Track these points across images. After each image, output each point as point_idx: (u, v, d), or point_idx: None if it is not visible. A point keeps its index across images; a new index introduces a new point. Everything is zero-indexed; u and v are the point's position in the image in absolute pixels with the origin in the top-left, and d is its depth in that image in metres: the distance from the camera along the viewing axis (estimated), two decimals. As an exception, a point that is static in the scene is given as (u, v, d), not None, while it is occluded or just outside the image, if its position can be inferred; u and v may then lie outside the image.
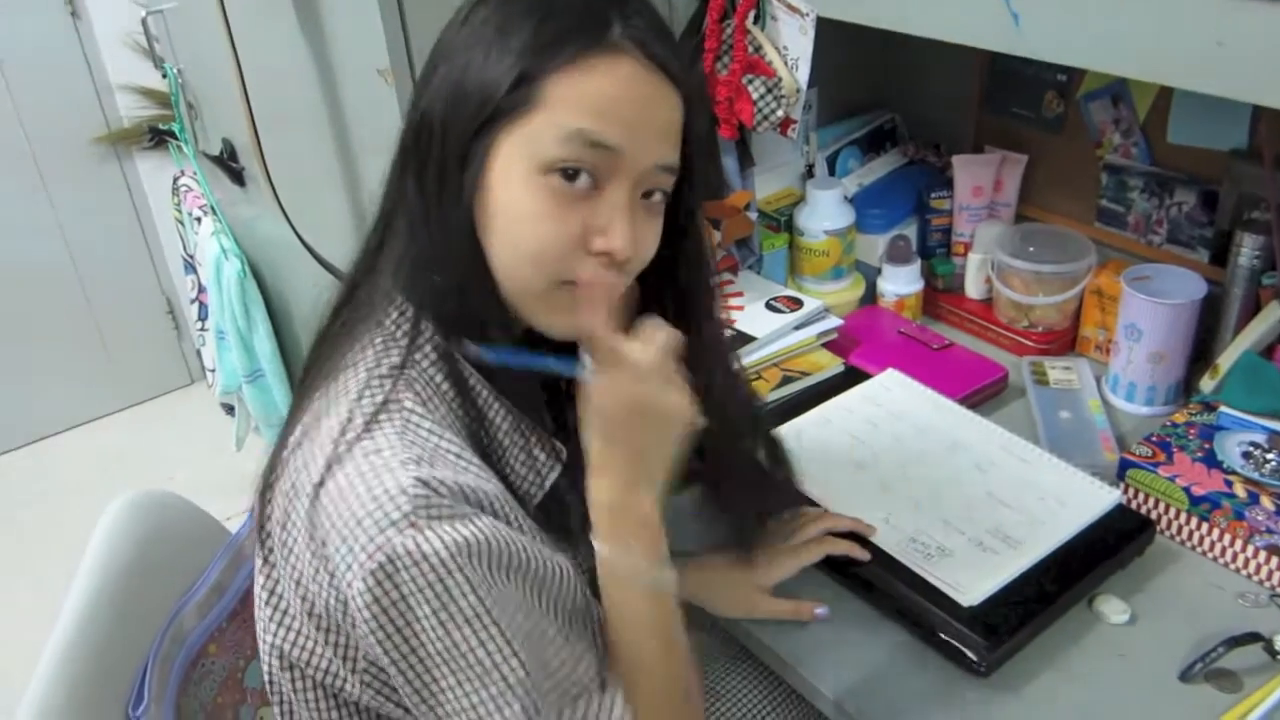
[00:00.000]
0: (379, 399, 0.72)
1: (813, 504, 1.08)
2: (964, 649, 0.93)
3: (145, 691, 0.90)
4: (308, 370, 0.80)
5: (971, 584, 0.97)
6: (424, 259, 0.75)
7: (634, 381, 0.72)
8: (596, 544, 0.75)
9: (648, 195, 0.76)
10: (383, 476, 0.67)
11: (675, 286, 0.85)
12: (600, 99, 0.72)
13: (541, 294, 0.75)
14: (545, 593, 0.72)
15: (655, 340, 0.74)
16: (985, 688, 0.93)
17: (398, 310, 0.76)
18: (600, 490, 0.75)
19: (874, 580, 1.00)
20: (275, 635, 0.75)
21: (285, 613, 0.74)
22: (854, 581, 1.02)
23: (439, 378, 0.75)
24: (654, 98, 0.74)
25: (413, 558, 0.65)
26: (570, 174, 0.72)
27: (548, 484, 0.79)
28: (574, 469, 0.78)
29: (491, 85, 0.72)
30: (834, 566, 1.02)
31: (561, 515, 0.82)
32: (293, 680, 0.76)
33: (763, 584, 0.99)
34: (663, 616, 0.75)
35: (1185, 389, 1.27)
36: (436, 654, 0.66)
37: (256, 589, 0.78)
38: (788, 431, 1.18)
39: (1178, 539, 1.07)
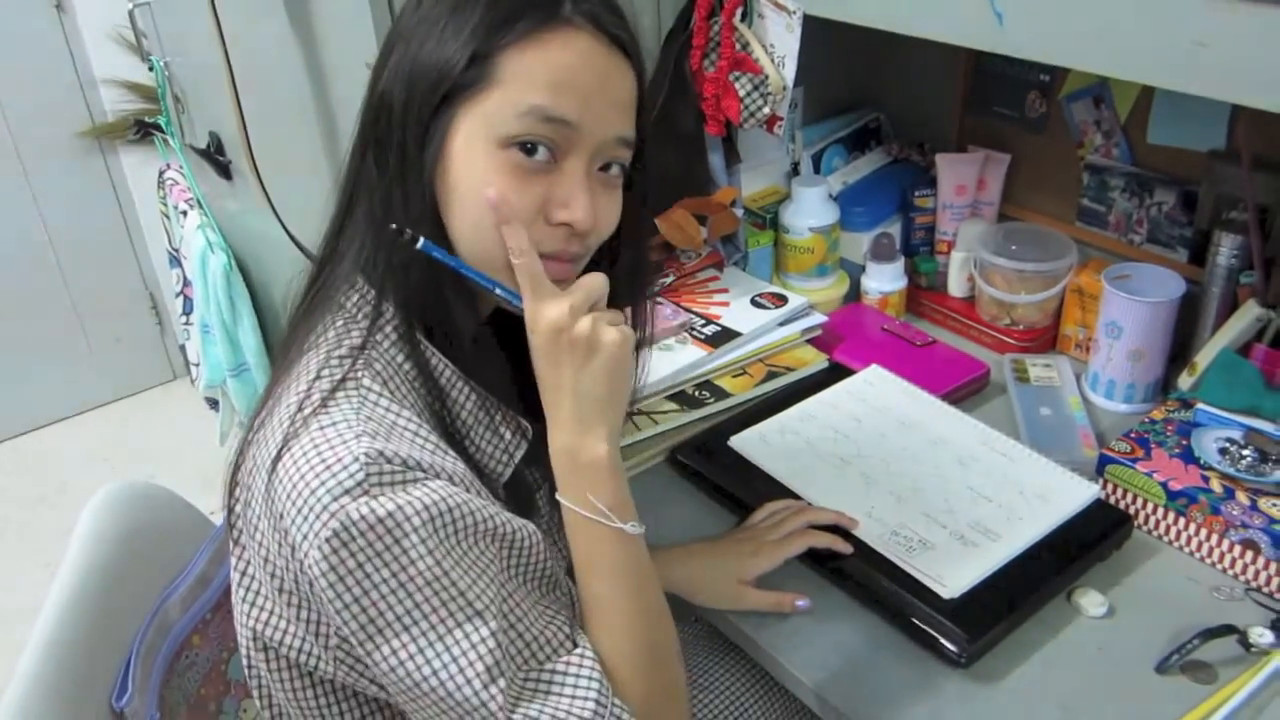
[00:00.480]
0: (337, 376, 0.72)
1: (796, 498, 1.09)
2: (944, 640, 0.94)
3: (129, 682, 0.90)
4: (276, 359, 0.81)
5: (952, 576, 0.98)
6: (385, 239, 0.75)
7: (563, 314, 0.73)
8: (559, 496, 0.77)
9: (605, 169, 0.78)
10: (336, 447, 0.68)
11: (614, 264, 0.85)
12: (555, 74, 0.72)
13: (504, 268, 0.75)
14: (509, 554, 0.73)
15: (583, 282, 0.76)
16: (965, 679, 0.94)
17: (359, 293, 0.77)
18: (554, 439, 0.77)
19: (855, 573, 1.01)
20: (249, 616, 0.75)
21: (257, 593, 0.75)
22: (836, 574, 1.03)
23: (400, 358, 0.76)
24: (609, 71, 0.75)
25: (367, 522, 0.65)
26: (529, 148, 0.73)
27: (515, 459, 0.80)
28: (542, 446, 0.79)
29: (447, 63, 0.72)
30: (816, 559, 1.03)
31: (529, 493, 0.83)
32: (268, 662, 0.76)
33: (745, 576, 1.00)
34: (629, 562, 0.77)
35: (1164, 387, 1.29)
36: (397, 619, 0.67)
37: (231, 573, 0.78)
38: (772, 427, 1.19)
39: (1155, 533, 1.09)
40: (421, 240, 0.73)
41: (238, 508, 0.76)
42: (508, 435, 0.80)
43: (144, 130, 2.61)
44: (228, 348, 2.00)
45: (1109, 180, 1.37)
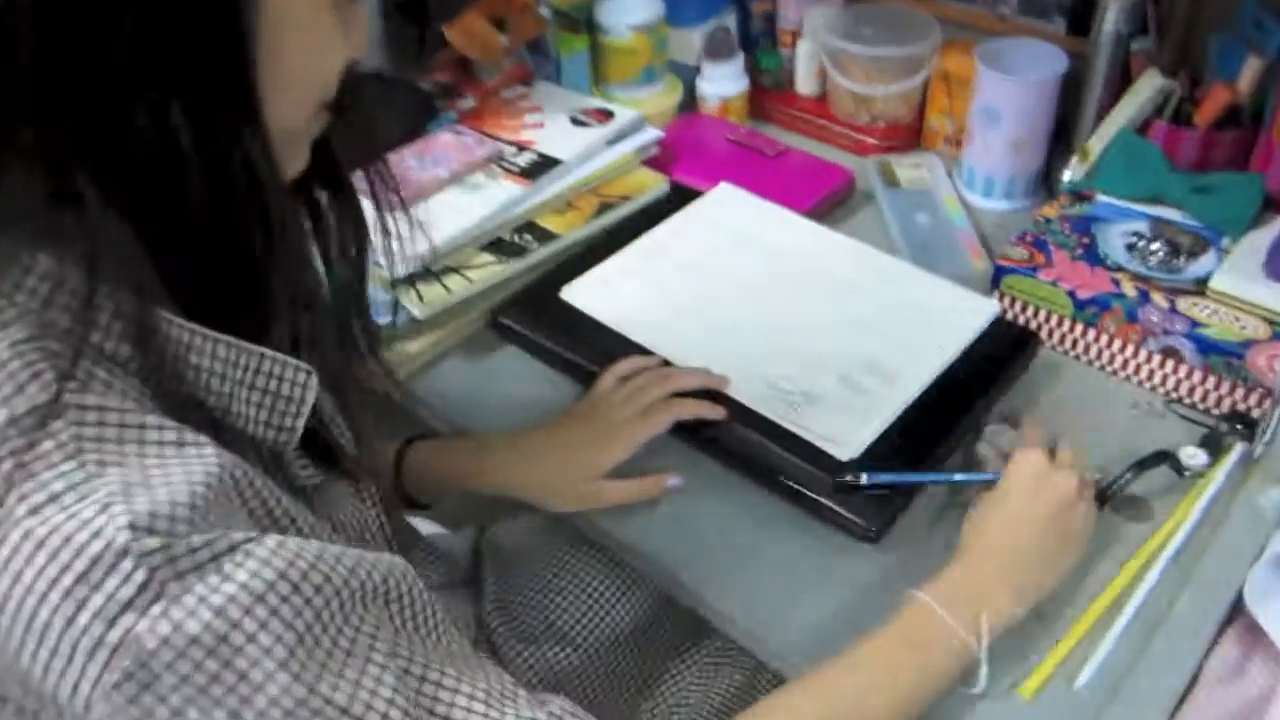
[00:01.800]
0: (30, 418, 0.43)
1: (648, 355, 0.89)
2: (847, 514, 0.77)
3: None
4: None
5: (847, 432, 0.81)
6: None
7: (1070, 489, 0.74)
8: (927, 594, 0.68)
9: None
10: (77, 538, 0.41)
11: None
12: None
13: (304, 127, 0.54)
14: (385, 611, 0.49)
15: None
16: (873, 551, 0.78)
17: (39, 276, 0.46)
18: (969, 571, 0.71)
19: (731, 441, 0.83)
20: None
21: None
22: (707, 444, 0.84)
23: (120, 347, 0.47)
24: None
25: (174, 647, 0.41)
26: None
27: (304, 412, 0.54)
28: (333, 389, 0.58)
29: None
30: (683, 428, 0.84)
31: (328, 445, 0.60)
32: None
33: (600, 468, 0.81)
34: (930, 688, 0.67)
35: (1045, 178, 1.13)
36: None
37: None
38: (611, 270, 0.98)
39: (1060, 349, 0.94)
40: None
41: None
42: (286, 388, 0.53)
43: None
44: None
45: (971, -59, 1.17)
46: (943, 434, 0.82)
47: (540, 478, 0.82)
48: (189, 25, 0.43)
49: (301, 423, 0.53)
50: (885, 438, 0.82)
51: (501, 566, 0.97)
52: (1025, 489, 0.74)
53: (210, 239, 0.48)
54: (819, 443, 0.80)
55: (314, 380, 0.52)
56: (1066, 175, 1.09)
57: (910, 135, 1.22)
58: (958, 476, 0.81)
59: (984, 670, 0.67)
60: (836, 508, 0.77)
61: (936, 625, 0.67)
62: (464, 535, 1.05)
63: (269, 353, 0.51)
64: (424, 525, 1.14)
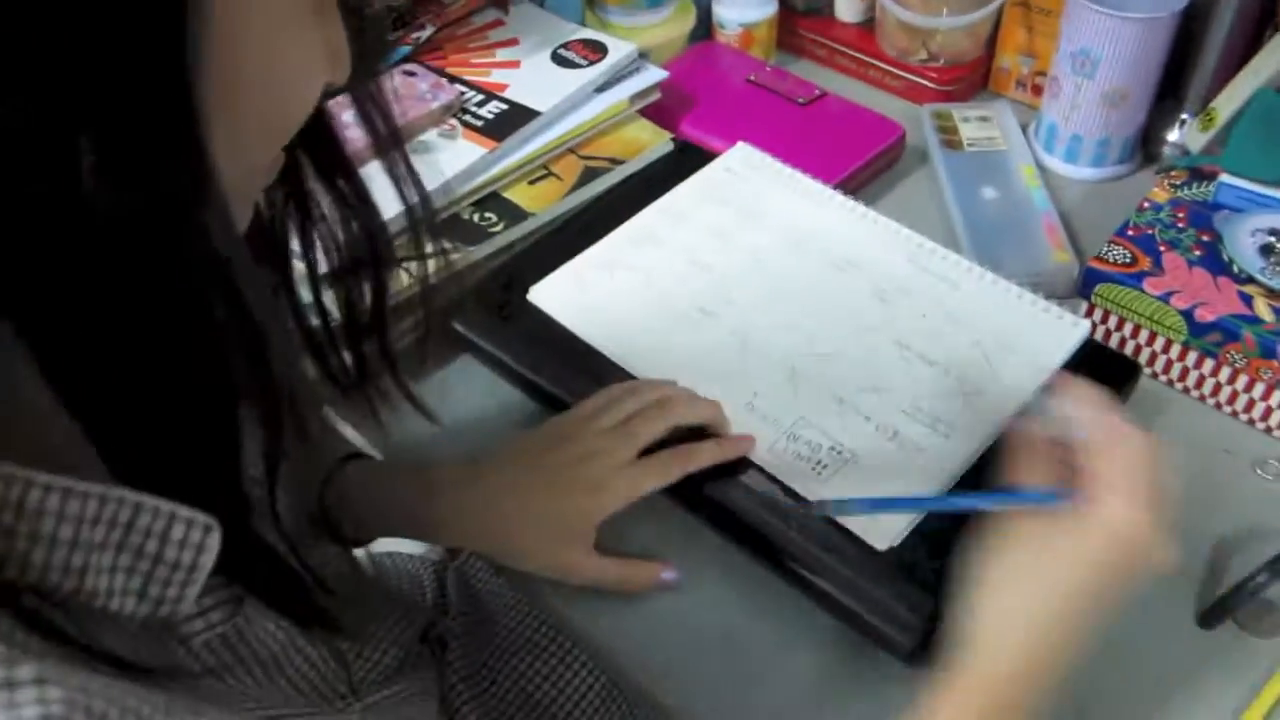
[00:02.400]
0: None
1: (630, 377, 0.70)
2: (882, 625, 0.58)
3: None
4: None
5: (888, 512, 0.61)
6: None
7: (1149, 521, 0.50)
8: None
9: None
10: None
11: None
12: None
13: (260, 180, 0.44)
14: None
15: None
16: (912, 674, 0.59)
17: None
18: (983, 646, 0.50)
19: (734, 506, 0.64)
20: None
21: None
22: (702, 507, 0.65)
23: None
24: None
25: None
26: None
27: (198, 579, 0.38)
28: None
29: None
30: (681, 491, 0.65)
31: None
32: None
33: (587, 524, 0.62)
34: None
35: (1145, 141, 0.91)
36: None
37: None
38: (593, 262, 0.78)
39: (1163, 377, 0.74)
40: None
41: None
42: (171, 551, 0.37)
43: None
44: None
45: None
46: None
47: (505, 530, 0.63)
48: (100, 43, 0.29)
49: (194, 591, 0.38)
50: (938, 515, 0.62)
51: (472, 613, 0.80)
52: (1111, 566, 0.50)
53: (139, 334, 0.34)
54: (851, 525, 0.61)
55: (214, 538, 0.38)
56: (1174, 137, 0.87)
57: (975, 78, 0.99)
58: (992, 500, 0.54)
59: None
60: (864, 614, 0.58)
61: None
62: (426, 563, 0.88)
63: (148, 502, 0.36)
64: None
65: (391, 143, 0.50)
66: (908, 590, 0.59)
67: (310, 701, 0.52)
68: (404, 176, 0.52)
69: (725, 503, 0.64)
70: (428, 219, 0.56)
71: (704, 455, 0.64)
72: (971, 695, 0.49)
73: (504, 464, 0.65)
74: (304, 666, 0.52)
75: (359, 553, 0.71)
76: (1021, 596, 0.50)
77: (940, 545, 0.60)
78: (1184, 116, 0.89)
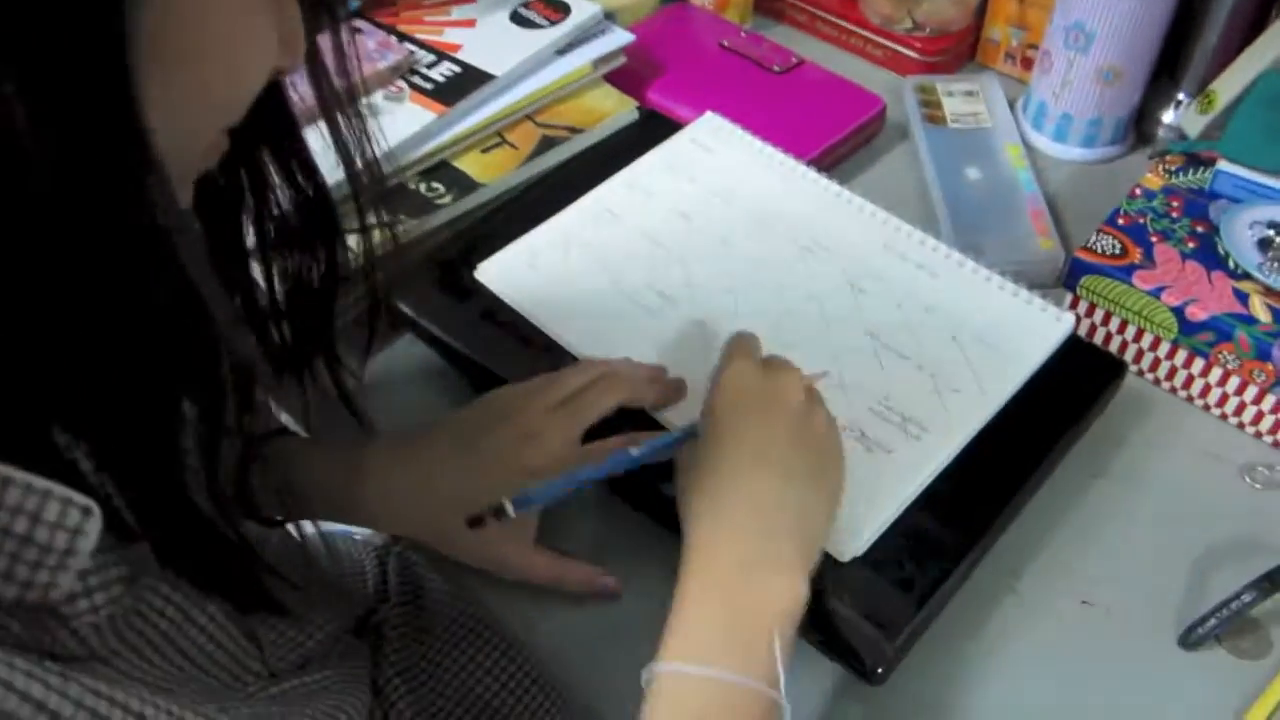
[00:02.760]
0: None
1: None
2: (846, 648, 0.54)
3: None
4: None
5: (856, 515, 0.57)
6: None
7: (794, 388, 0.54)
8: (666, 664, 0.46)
9: None
10: None
11: None
12: None
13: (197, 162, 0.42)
14: None
15: None
16: (874, 692, 0.55)
17: None
18: (708, 550, 0.49)
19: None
20: None
21: None
22: (651, 506, 0.60)
23: None
24: None
25: None
26: None
27: (72, 565, 0.36)
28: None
29: None
30: (623, 487, 0.60)
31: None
32: None
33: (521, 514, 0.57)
34: None
35: (1138, 122, 0.86)
36: None
37: None
38: (546, 240, 0.72)
39: (1149, 376, 0.69)
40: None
41: None
42: (42, 533, 0.35)
43: None
44: None
45: None
46: (994, 509, 0.58)
47: (436, 516, 0.59)
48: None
49: (68, 577, 0.36)
50: (912, 519, 0.58)
51: (413, 601, 0.76)
52: (744, 413, 0.52)
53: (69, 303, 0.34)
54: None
55: (94, 523, 0.36)
56: (1168, 119, 0.82)
57: (963, 50, 0.93)
58: (635, 451, 0.55)
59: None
60: (831, 638, 0.54)
61: (707, 695, 0.45)
62: (369, 547, 0.83)
63: (19, 478, 0.34)
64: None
65: (343, 102, 0.47)
66: (877, 606, 0.54)
67: (222, 683, 0.49)
68: (351, 140, 0.49)
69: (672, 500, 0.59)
70: (374, 188, 0.52)
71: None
72: (708, 594, 0.48)
73: (436, 444, 0.60)
74: (209, 646, 0.49)
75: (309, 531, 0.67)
76: (722, 484, 0.50)
77: (914, 547, 0.56)
78: (1180, 97, 0.84)
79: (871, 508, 0.57)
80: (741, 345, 0.58)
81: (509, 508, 0.52)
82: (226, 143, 0.42)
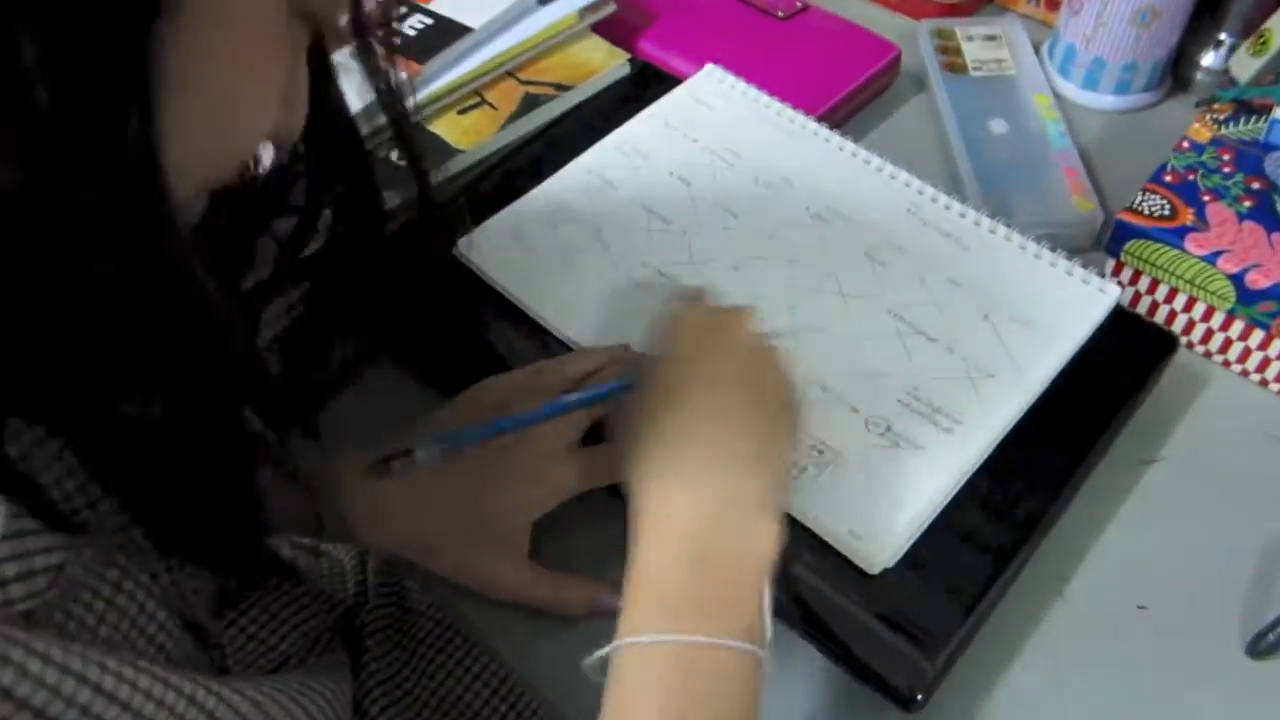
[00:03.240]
0: None
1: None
2: (877, 668, 0.48)
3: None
4: None
5: (884, 520, 0.51)
6: None
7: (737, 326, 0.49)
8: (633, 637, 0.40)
9: None
10: None
11: None
12: None
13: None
14: None
15: None
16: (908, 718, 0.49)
17: None
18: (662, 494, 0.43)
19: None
20: None
21: None
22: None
23: None
24: None
25: None
26: None
27: None
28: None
29: None
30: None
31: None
32: None
33: (524, 521, 0.53)
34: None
35: (1176, 65, 0.79)
36: None
37: None
38: (531, 211, 0.66)
39: (1200, 348, 0.63)
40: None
41: None
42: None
43: None
44: None
45: None
46: (1041, 505, 0.52)
47: (421, 532, 0.54)
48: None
49: None
50: (948, 521, 0.51)
51: (395, 606, 0.70)
52: (689, 353, 0.47)
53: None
54: (838, 544, 0.50)
55: None
56: (1207, 62, 0.75)
57: (981, -12, 0.86)
58: (570, 399, 0.52)
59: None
60: (856, 653, 0.48)
61: (684, 665, 0.40)
62: (348, 547, 0.77)
63: None
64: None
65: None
66: (913, 621, 0.48)
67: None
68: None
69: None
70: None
71: None
72: (677, 554, 0.42)
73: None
74: (160, 637, 0.43)
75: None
76: (665, 432, 0.45)
77: (952, 554, 0.50)
78: (1221, 37, 0.77)
79: (902, 513, 0.51)
80: (688, 292, 0.53)
81: (418, 454, 0.48)
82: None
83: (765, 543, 0.42)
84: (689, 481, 0.43)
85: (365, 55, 0.43)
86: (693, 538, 0.42)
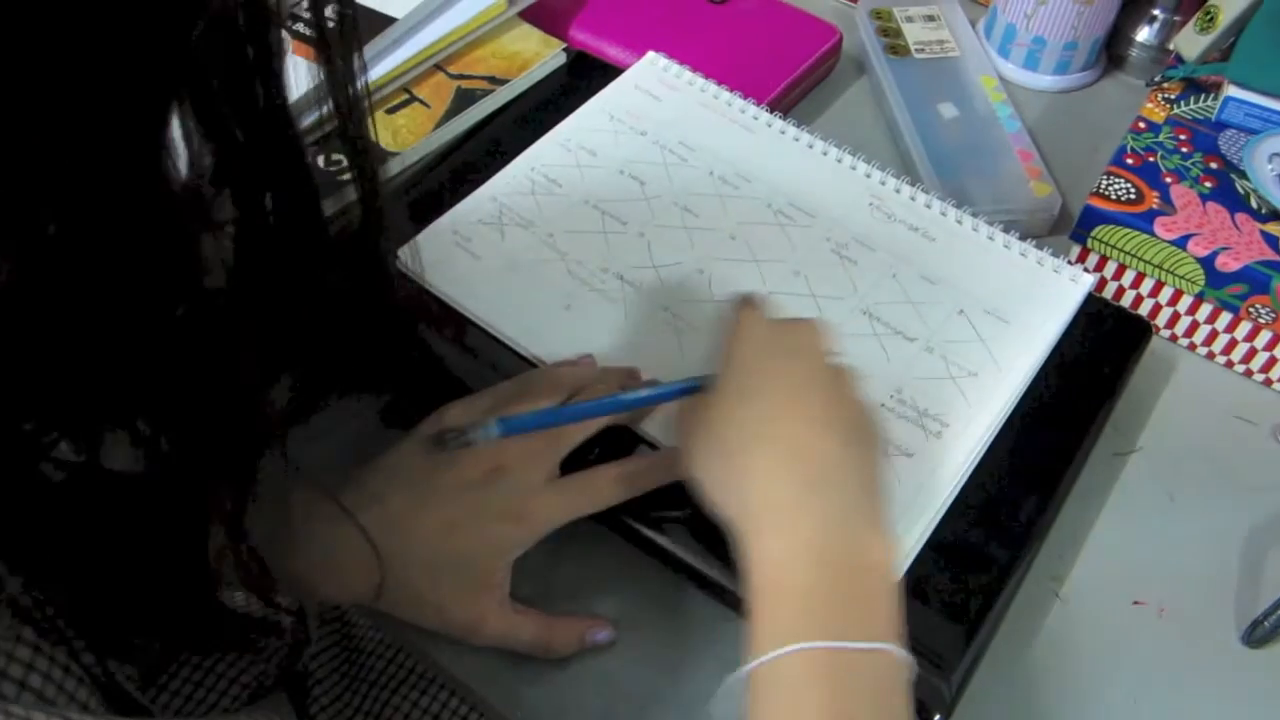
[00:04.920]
0: None
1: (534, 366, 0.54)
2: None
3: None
4: None
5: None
6: None
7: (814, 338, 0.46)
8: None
9: None
10: None
11: None
12: None
13: None
14: None
15: None
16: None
17: None
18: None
19: (684, 541, 0.50)
20: None
21: None
22: (646, 541, 0.51)
23: None
24: None
25: None
26: None
27: None
28: None
29: None
30: (615, 515, 0.50)
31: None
32: None
33: (494, 566, 0.48)
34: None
35: (1108, 43, 0.78)
36: None
37: None
38: (473, 215, 0.61)
39: (1166, 332, 0.63)
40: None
41: None
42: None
43: None
44: None
45: None
46: (1039, 503, 0.51)
47: (390, 580, 0.48)
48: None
49: None
50: (946, 531, 0.49)
51: (340, 645, 0.65)
52: (767, 360, 0.44)
53: None
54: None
55: None
56: (1141, 38, 0.75)
57: (915, -33, 0.84)
58: (640, 395, 0.50)
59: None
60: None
61: (831, 667, 0.37)
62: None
63: None
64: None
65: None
66: (923, 641, 0.46)
67: None
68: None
69: (669, 529, 0.50)
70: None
71: (642, 474, 0.49)
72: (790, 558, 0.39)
73: (383, 487, 0.50)
74: (71, 684, 0.38)
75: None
76: (749, 440, 0.42)
77: (955, 564, 0.48)
78: (1155, 12, 0.77)
79: (900, 526, 0.49)
80: (751, 299, 0.49)
81: (474, 434, 0.46)
82: None
83: (886, 553, 0.40)
84: (792, 488, 0.41)
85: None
86: (814, 546, 0.39)
